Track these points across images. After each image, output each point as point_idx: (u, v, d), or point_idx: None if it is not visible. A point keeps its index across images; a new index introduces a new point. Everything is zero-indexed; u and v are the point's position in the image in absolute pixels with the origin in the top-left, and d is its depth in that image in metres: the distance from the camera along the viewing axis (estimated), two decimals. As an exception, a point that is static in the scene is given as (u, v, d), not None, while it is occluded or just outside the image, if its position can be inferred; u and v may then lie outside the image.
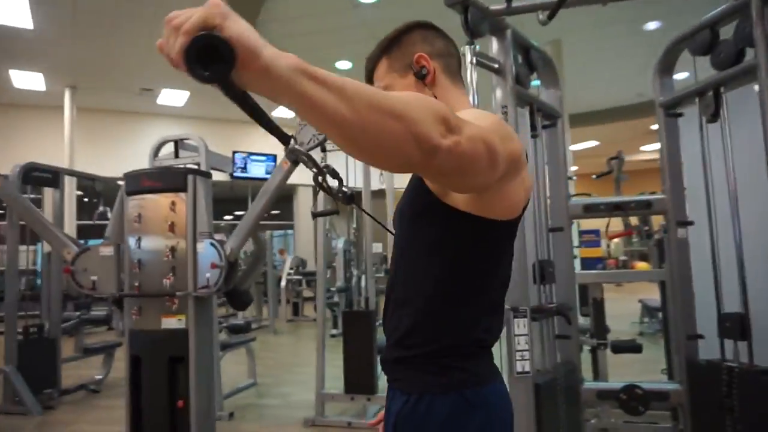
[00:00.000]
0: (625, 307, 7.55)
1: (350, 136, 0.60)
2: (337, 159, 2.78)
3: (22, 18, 7.22)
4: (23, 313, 4.52)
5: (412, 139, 0.61)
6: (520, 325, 2.16)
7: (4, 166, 4.55)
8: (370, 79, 1.06)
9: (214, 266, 2.90)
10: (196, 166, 3.80)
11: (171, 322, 2.99)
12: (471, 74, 2.09)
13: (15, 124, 10.66)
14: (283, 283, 9.39)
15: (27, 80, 9.58)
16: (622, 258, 11.52)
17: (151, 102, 10.94)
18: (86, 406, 4.31)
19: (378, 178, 4.33)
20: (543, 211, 2.55)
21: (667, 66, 2.58)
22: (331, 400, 3.66)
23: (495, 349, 1.00)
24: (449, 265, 0.93)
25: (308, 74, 0.56)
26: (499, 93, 2.22)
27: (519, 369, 2.15)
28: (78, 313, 5.32)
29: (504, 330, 1.29)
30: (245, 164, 9.76)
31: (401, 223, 1.00)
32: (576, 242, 5.92)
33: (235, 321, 5.44)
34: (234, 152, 12.46)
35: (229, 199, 13.31)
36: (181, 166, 3.98)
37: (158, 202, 3.07)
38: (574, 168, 10.64)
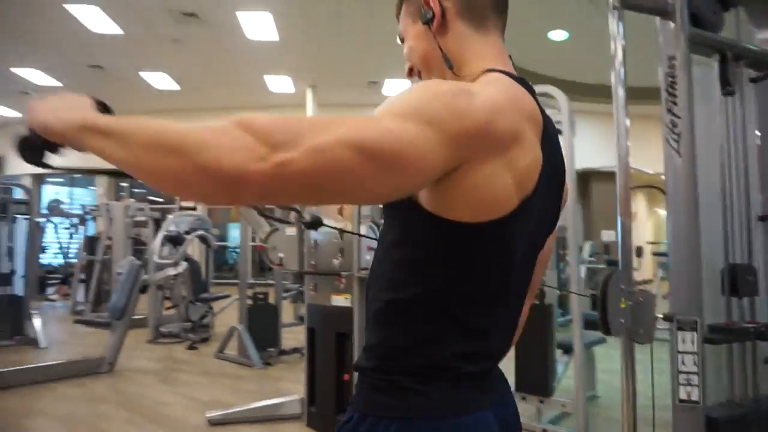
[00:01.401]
0: None
1: (139, 176, 0.61)
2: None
3: (269, 33, 8.49)
4: (252, 281, 5.35)
5: (199, 173, 0.55)
6: (687, 341, 1.70)
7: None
8: None
9: (370, 248, 2.98)
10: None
11: (339, 300, 3.18)
12: (616, 26, 1.69)
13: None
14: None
15: (279, 84, 11.24)
16: None
17: (377, 93, 11.79)
18: (295, 367, 4.90)
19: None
20: (743, 193, 1.95)
21: None
22: (502, 396, 3.47)
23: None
24: (408, 271, 0.75)
25: (93, 129, 0.64)
26: (662, 39, 1.75)
27: (682, 396, 1.70)
28: (297, 285, 6.06)
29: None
30: None
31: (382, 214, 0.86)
32: None
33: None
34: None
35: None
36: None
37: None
38: None
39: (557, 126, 3.42)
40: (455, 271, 0.73)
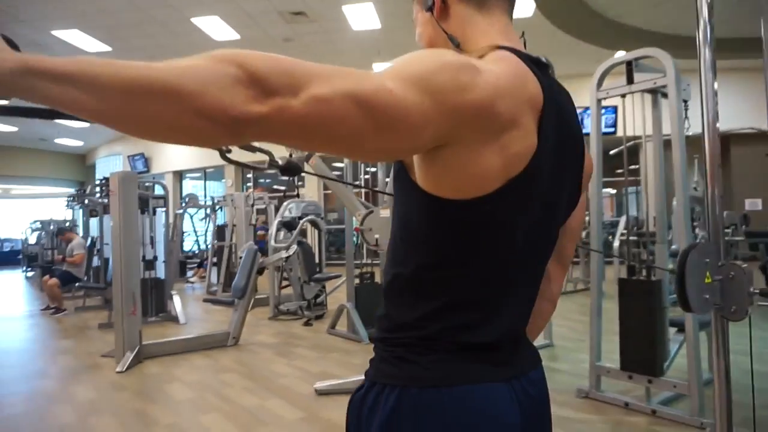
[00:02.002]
0: None
1: (118, 126, 0.54)
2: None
3: (372, 21, 8.67)
4: (361, 262, 5.56)
5: (198, 116, 0.51)
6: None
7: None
8: None
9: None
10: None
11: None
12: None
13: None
14: (615, 243, 8.70)
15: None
16: None
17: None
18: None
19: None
20: None
21: None
22: (607, 375, 3.30)
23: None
24: (407, 246, 0.78)
25: (42, 74, 0.49)
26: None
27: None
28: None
29: None
30: (581, 119, 9.45)
31: None
32: None
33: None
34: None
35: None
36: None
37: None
38: None
39: (664, 89, 3.15)
40: (448, 247, 0.74)
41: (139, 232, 5.90)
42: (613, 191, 12.95)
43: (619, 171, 3.40)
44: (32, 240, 13.72)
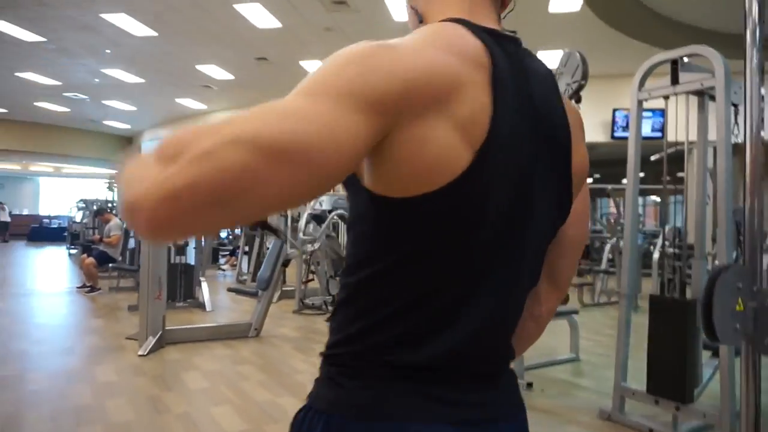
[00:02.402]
0: None
1: None
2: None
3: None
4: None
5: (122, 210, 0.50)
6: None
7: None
8: None
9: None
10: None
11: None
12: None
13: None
14: (655, 255, 8.33)
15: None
16: None
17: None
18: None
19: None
20: None
21: None
22: (632, 397, 3.12)
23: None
24: (355, 253, 0.68)
25: None
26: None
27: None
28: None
29: None
30: (627, 122, 9.09)
31: None
32: None
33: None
34: (614, 110, 11.66)
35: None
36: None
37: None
38: None
39: (712, 92, 2.92)
40: (395, 254, 0.63)
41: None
42: (659, 199, 12.47)
43: (667, 178, 3.20)
44: (78, 218, 14.23)
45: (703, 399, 3.01)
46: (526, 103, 0.65)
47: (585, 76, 2.34)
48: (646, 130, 8.87)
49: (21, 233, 18.51)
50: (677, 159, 3.38)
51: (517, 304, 0.72)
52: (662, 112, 10.93)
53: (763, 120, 1.41)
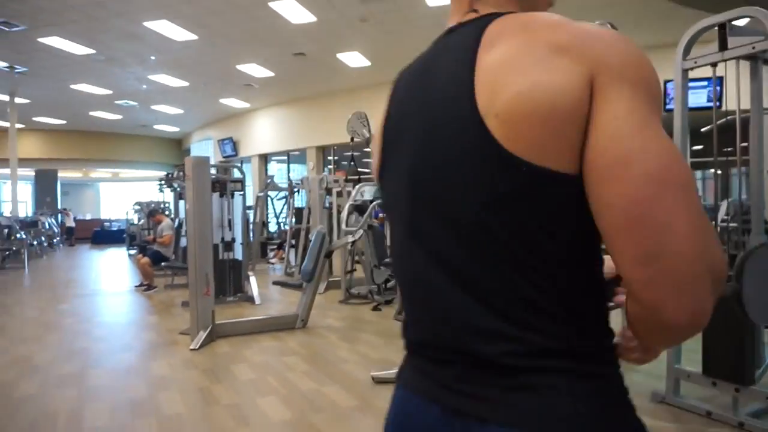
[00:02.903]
0: None
1: None
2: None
3: (445, -7, 8.36)
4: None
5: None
6: None
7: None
8: None
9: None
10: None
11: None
12: None
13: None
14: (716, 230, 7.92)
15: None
16: None
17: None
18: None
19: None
20: None
21: None
22: (687, 379, 2.97)
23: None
24: None
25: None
26: None
27: None
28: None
29: None
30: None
31: None
32: None
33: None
34: (665, 81, 11.09)
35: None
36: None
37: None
38: None
39: (765, 55, 2.72)
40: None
41: (216, 215, 6.15)
42: (718, 172, 11.83)
43: (728, 149, 2.98)
44: (134, 221, 14.88)
45: (766, 380, 2.84)
46: (415, 89, 0.71)
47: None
48: (701, 100, 8.38)
49: (85, 237, 19.55)
50: (732, 129, 3.18)
51: (469, 281, 0.64)
52: (719, 80, 10.25)
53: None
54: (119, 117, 17.14)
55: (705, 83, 8.52)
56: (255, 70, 12.46)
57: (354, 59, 11.45)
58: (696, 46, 3.08)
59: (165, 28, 9.64)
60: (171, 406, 3.24)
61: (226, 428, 2.89)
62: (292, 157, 16.81)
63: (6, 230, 11.76)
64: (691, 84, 8.50)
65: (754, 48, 2.75)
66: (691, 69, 3.04)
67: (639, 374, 3.58)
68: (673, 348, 3.04)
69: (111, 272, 11.12)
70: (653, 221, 0.51)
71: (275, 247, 11.41)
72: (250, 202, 10.76)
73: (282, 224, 12.07)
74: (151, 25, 9.48)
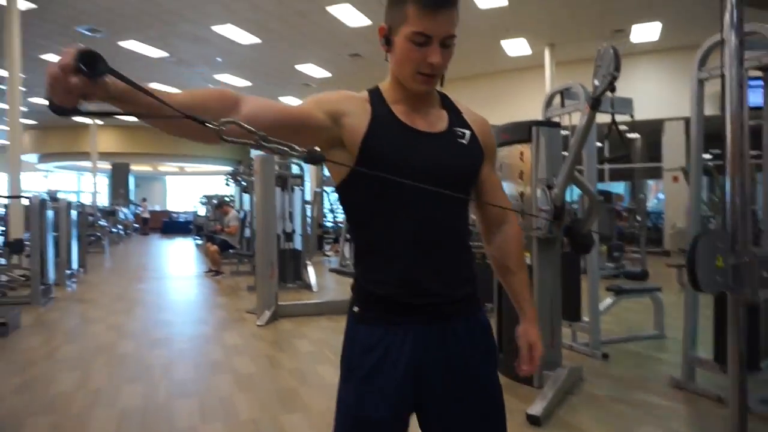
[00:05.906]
0: None
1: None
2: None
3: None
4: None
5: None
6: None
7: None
8: None
9: (539, 210, 3.16)
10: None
11: (520, 258, 3.44)
12: None
13: (504, 88, 12.87)
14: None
15: (515, 47, 11.28)
16: None
17: (624, 43, 10.84)
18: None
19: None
20: None
21: None
22: (701, 366, 3.26)
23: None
24: None
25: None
26: None
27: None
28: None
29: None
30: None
31: None
32: None
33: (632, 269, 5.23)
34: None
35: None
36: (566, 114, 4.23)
37: (512, 153, 3.53)
38: None
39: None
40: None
41: (278, 208, 6.75)
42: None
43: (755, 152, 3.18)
44: (201, 212, 15.94)
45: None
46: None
47: (617, 68, 2.58)
48: (754, 99, 8.33)
49: (155, 227, 21.01)
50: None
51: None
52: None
53: None
54: (187, 115, 18.26)
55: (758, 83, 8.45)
56: (313, 70, 13.12)
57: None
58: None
59: (231, 31, 10.41)
60: (244, 367, 3.83)
61: (290, 386, 3.44)
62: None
63: (90, 218, 12.94)
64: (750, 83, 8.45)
65: (760, 62, 3.02)
66: (706, 80, 3.29)
67: (664, 364, 3.88)
68: (689, 335, 3.34)
69: (181, 259, 12.09)
70: None
71: (332, 240, 12.05)
72: (308, 197, 11.41)
73: (335, 219, 12.70)
74: (218, 29, 10.28)
